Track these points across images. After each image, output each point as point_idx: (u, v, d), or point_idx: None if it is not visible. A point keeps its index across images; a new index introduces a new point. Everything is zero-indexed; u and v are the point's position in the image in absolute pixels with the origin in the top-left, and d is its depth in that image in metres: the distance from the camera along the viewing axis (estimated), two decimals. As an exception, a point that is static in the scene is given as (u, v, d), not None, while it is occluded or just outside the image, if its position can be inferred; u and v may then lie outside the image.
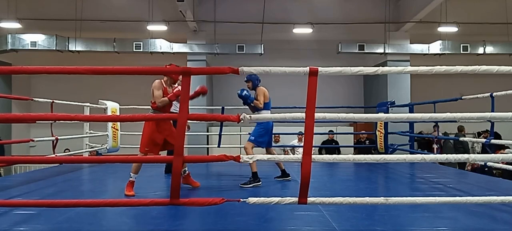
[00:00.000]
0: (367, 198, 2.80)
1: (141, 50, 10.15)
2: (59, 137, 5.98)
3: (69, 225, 3.05)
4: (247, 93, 4.69)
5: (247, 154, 4.50)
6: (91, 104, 7.47)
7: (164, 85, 4.15)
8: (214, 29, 10.30)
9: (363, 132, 9.80)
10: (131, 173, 4.07)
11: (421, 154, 7.18)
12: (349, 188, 4.86)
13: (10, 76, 11.15)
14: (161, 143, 4.15)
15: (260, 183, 4.67)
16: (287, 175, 5.08)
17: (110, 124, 7.24)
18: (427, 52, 10.38)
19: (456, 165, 8.52)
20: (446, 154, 2.82)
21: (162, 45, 10.23)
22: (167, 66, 4.00)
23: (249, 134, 5.02)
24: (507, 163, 4.95)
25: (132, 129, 6.11)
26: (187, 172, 4.44)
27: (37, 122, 6.40)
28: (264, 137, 4.86)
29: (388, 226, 2.97)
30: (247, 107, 4.92)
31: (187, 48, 10.51)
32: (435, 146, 7.19)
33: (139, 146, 4.15)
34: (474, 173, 6.60)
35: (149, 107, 4.20)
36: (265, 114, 4.62)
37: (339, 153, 9.34)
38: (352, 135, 10.70)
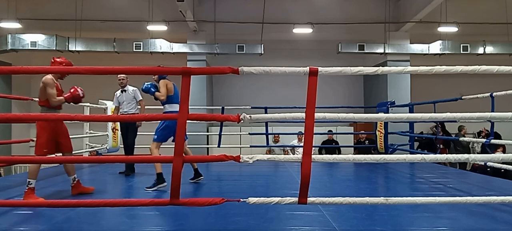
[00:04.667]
0: (367, 198, 2.80)
1: (141, 50, 10.15)
2: (59, 137, 5.96)
3: (69, 225, 3.05)
4: (147, 86, 4.51)
5: (151, 154, 4.39)
6: (91, 104, 7.47)
7: (55, 81, 3.96)
8: (214, 29, 10.31)
9: (362, 132, 9.81)
10: (29, 180, 3.72)
11: (422, 154, 7.18)
12: (349, 188, 4.86)
13: (10, 76, 11.15)
14: (55, 143, 3.97)
15: (165, 184, 4.30)
16: (200, 175, 4.93)
17: (110, 124, 7.24)
18: (427, 52, 10.37)
19: (457, 165, 8.52)
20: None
21: (162, 45, 10.22)
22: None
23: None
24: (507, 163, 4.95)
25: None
26: (76, 180, 4.16)
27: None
28: (164, 131, 4.50)
29: (388, 226, 2.97)
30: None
31: (187, 48, 10.51)
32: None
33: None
34: (474, 173, 6.60)
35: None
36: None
37: (339, 153, 9.35)
38: (352, 135, 10.71)
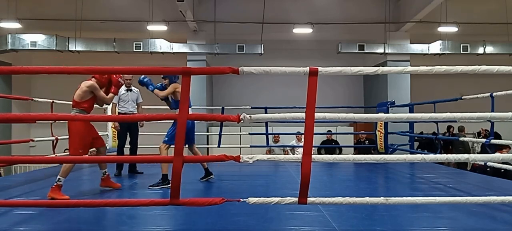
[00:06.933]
0: (367, 198, 2.80)
1: (141, 50, 10.15)
2: (59, 137, 5.97)
3: (69, 225, 3.05)
4: (147, 80, 4.58)
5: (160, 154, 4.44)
6: (91, 104, 7.46)
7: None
8: (214, 29, 10.31)
9: (362, 132, 9.81)
10: (60, 177, 3.86)
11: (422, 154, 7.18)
12: (349, 188, 4.86)
13: (10, 76, 11.14)
14: (90, 143, 4.14)
15: (169, 185, 4.43)
16: (210, 173, 4.95)
17: (110, 124, 7.23)
18: (427, 52, 10.38)
19: (456, 164, 8.52)
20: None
21: (162, 45, 10.22)
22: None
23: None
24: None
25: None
26: (106, 173, 4.32)
27: (37, 122, 6.39)
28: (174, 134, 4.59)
29: (388, 226, 2.97)
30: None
31: (187, 48, 10.51)
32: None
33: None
34: (474, 173, 6.60)
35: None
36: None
37: (340, 153, 9.34)
38: (352, 135, 10.71)
